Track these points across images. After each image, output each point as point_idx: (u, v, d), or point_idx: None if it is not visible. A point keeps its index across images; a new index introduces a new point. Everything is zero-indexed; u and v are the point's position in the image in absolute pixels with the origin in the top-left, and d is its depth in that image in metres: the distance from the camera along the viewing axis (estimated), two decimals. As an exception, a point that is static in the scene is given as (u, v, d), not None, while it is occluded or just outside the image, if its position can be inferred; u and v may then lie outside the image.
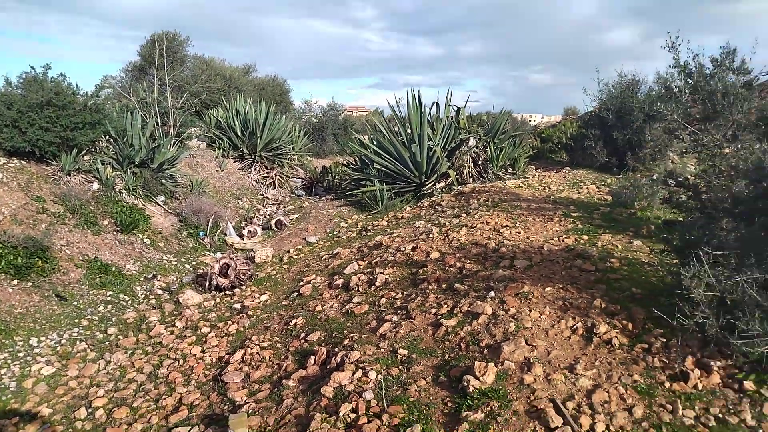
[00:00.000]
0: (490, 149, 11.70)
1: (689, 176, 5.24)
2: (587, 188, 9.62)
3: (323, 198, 12.68)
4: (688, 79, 4.89)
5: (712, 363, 3.31)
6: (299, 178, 14.61)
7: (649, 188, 6.83)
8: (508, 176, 11.73)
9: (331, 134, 19.85)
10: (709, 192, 4.50)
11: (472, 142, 11.56)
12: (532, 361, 3.49)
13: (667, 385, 3.21)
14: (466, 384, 3.32)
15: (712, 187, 4.42)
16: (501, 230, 6.57)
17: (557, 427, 2.87)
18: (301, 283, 6.57)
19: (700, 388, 3.17)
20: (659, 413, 2.98)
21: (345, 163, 14.00)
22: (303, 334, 5.01)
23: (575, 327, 3.87)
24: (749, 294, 3.13)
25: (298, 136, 15.61)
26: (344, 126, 20.60)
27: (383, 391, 3.48)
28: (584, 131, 12.83)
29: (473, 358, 3.67)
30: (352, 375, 3.82)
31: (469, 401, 3.21)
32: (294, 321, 5.36)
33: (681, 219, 4.93)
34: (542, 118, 38.80)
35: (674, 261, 4.17)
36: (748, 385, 3.12)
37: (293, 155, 14.97)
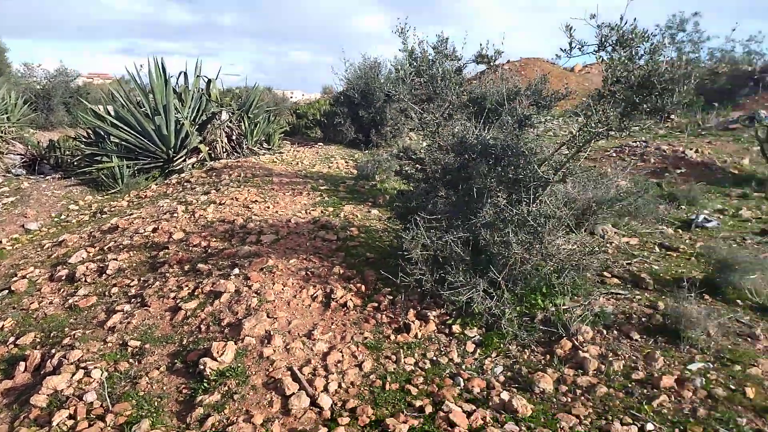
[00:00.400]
0: (245, 124, 11.41)
1: (420, 151, 5.84)
2: (337, 163, 10.10)
3: (49, 177, 10.75)
4: (414, 63, 5.38)
5: (429, 313, 3.76)
6: (18, 154, 12.11)
7: (386, 162, 7.48)
8: (263, 151, 11.63)
9: (61, 103, 17.01)
10: (430, 165, 5.08)
11: (225, 115, 11.09)
12: (272, 333, 3.49)
13: (393, 337, 3.54)
14: (203, 367, 3.15)
15: (431, 160, 4.99)
16: (250, 206, 6.44)
17: (293, 394, 2.92)
18: (14, 279, 5.46)
19: (419, 336, 3.57)
20: (385, 364, 3.26)
21: (77, 136, 12.12)
22: (12, 339, 4.15)
23: (315, 295, 4.01)
24: (455, 251, 3.62)
25: (15, 104, 12.97)
26: (77, 94, 17.85)
27: (107, 390, 3.10)
28: (335, 109, 13.41)
29: (213, 339, 3.50)
30: (72, 377, 3.31)
31: (206, 384, 3.05)
32: (1, 324, 4.44)
33: (411, 189, 5.49)
34: (303, 95, 39.50)
35: (399, 226, 4.61)
36: (456, 328, 3.64)
37: (9, 127, 12.37)
